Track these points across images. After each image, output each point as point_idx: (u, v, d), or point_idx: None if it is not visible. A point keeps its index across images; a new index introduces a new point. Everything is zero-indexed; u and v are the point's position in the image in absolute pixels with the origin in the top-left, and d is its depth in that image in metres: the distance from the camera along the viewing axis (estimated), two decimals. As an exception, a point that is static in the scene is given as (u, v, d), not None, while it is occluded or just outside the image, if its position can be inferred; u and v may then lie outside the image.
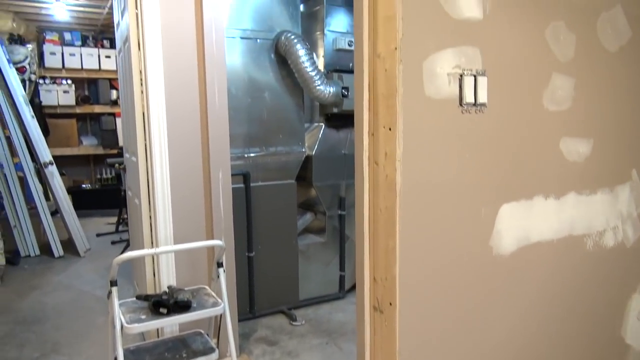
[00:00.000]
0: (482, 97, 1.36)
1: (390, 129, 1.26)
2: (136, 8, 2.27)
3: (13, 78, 4.09)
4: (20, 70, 5.61)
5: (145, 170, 2.41)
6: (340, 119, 3.31)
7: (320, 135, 3.30)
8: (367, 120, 1.32)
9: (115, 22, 3.19)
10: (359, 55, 1.32)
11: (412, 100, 1.25)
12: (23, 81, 5.64)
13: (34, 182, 4.24)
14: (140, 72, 2.35)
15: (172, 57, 2.34)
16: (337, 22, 3.28)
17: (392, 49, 1.22)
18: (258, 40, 3.03)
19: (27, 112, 4.14)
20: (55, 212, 4.57)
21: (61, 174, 6.77)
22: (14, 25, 5.72)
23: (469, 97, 1.34)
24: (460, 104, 1.34)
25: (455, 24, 1.31)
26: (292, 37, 2.99)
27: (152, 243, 2.45)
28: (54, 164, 4.32)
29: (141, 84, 2.36)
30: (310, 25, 3.34)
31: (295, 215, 3.27)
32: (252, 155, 3.08)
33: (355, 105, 1.35)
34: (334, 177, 3.35)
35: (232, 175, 3.04)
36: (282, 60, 3.09)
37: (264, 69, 3.07)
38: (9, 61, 4.10)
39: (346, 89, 3.11)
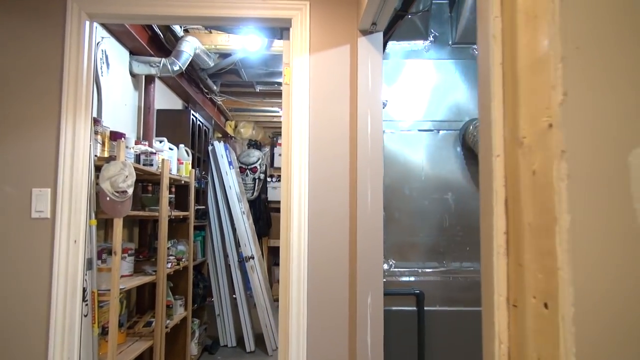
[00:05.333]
0: None
1: (546, 306, 0.55)
2: (288, 108, 2.09)
3: (231, 178, 4.54)
4: (253, 170, 6.37)
5: (286, 283, 2.07)
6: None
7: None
8: (499, 274, 0.64)
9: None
10: (486, 142, 0.68)
11: (602, 241, 0.53)
12: (254, 180, 6.38)
13: (236, 274, 4.45)
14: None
15: (319, 150, 2.03)
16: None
17: (544, 127, 0.56)
18: (439, 131, 2.51)
19: (238, 209, 4.48)
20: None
21: (277, 265, 7.23)
22: (254, 132, 6.65)
23: None
24: None
25: None
26: (482, 125, 2.37)
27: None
28: (255, 259, 4.48)
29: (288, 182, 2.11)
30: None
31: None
32: (428, 270, 2.45)
33: (481, 244, 0.69)
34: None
35: (402, 294, 2.45)
36: (471, 155, 2.47)
37: (446, 165, 2.49)
38: (230, 163, 4.60)
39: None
